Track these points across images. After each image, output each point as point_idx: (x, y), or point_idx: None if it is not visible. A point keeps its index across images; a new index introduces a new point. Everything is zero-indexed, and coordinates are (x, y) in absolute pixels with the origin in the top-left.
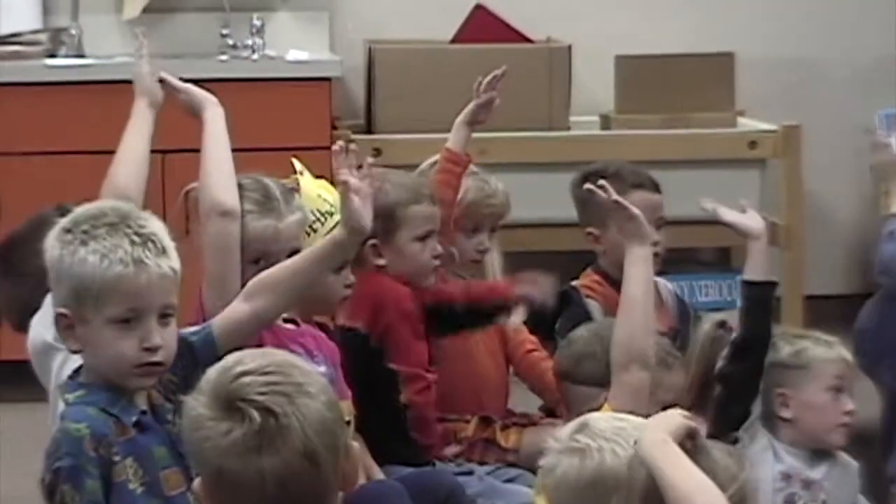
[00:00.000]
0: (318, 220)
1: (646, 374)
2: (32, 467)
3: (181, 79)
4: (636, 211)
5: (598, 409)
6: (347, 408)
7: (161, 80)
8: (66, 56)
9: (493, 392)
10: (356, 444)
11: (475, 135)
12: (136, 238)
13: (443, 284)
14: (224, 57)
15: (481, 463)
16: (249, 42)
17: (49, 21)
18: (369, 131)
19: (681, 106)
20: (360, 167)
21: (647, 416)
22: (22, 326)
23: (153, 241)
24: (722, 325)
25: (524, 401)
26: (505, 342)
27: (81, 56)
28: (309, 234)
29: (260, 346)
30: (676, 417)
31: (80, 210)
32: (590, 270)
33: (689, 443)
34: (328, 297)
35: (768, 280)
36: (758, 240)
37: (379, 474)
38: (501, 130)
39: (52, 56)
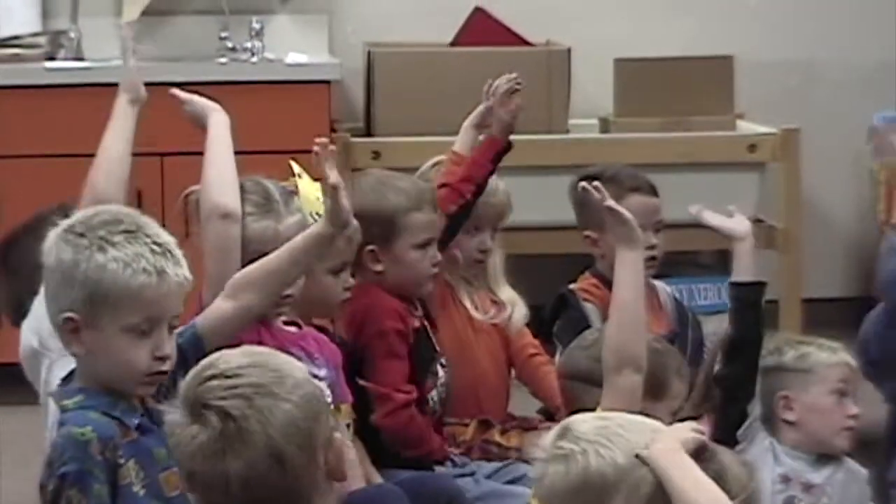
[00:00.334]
0: (317, 222)
1: (638, 377)
2: (32, 471)
3: (181, 83)
4: (628, 215)
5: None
6: (347, 411)
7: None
8: (66, 59)
9: (492, 395)
10: (353, 449)
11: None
12: (155, 248)
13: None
14: (223, 60)
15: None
16: (249, 45)
17: (48, 24)
18: (368, 134)
19: (680, 109)
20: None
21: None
22: (18, 323)
23: (171, 251)
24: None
25: (524, 404)
26: (506, 345)
27: (81, 59)
28: None
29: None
30: (687, 430)
31: (90, 214)
32: (587, 274)
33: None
34: (328, 300)
35: (757, 281)
36: (743, 241)
37: (378, 479)
38: None
39: (52, 59)
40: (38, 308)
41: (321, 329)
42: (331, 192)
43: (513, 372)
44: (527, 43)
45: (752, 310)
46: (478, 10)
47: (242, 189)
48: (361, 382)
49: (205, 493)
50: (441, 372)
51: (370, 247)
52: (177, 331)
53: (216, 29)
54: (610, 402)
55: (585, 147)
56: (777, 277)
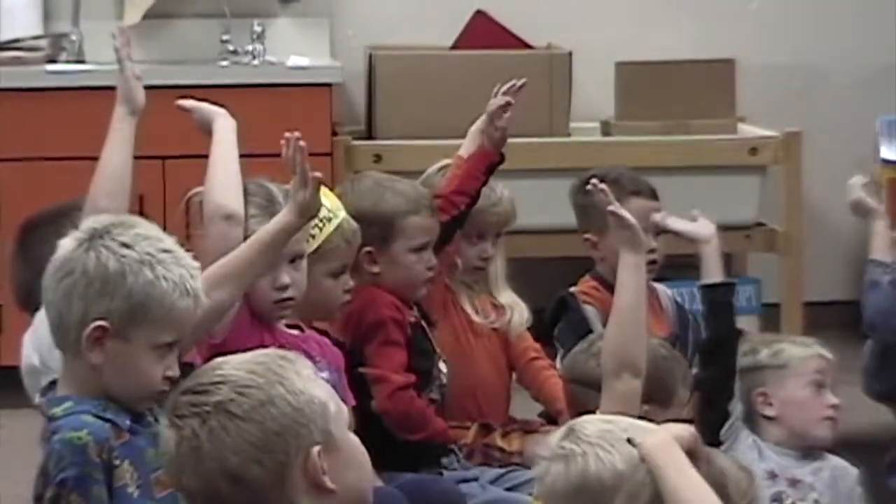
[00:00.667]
0: (317, 225)
1: (637, 382)
2: (31, 473)
3: (182, 86)
4: (632, 219)
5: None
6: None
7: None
8: (67, 62)
9: (493, 398)
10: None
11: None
12: (193, 271)
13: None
14: (225, 63)
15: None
16: (250, 48)
17: (50, 27)
18: (370, 137)
19: (681, 112)
20: None
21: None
22: (26, 308)
23: (198, 275)
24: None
25: (524, 408)
26: (507, 349)
27: (82, 62)
28: (308, 241)
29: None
30: (682, 428)
31: (123, 224)
32: (588, 277)
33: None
34: (328, 303)
35: (727, 281)
36: (708, 244)
37: (377, 482)
38: None
39: (53, 62)
40: (40, 326)
41: (322, 333)
42: (314, 184)
43: (514, 375)
44: (528, 46)
45: (724, 310)
46: (479, 14)
47: (245, 191)
48: (360, 370)
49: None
50: (442, 371)
51: (367, 248)
52: None
53: (218, 32)
54: (608, 405)
55: (587, 150)
56: (778, 281)
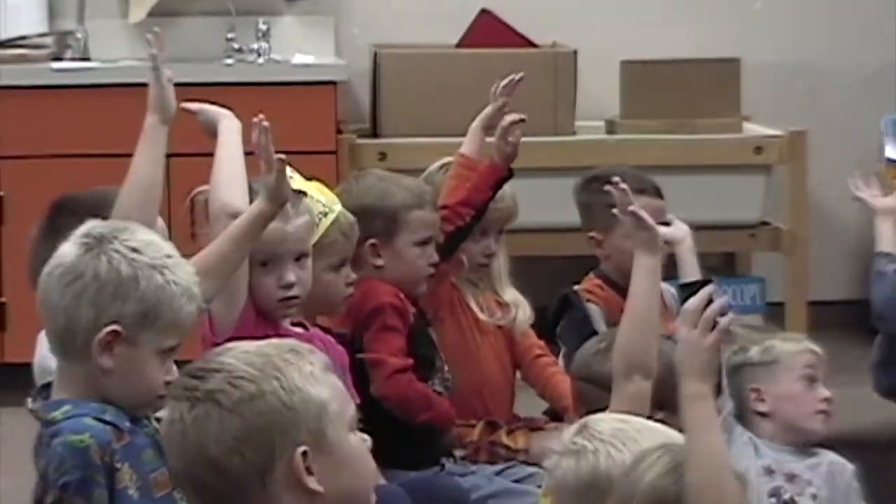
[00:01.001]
0: (314, 220)
1: (647, 384)
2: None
3: (187, 84)
4: (651, 221)
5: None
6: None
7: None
8: (72, 59)
9: (498, 396)
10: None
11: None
12: (195, 276)
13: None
14: (230, 61)
15: (490, 464)
16: (255, 46)
17: (55, 24)
18: (375, 135)
19: (686, 111)
20: None
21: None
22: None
23: (197, 279)
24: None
25: (528, 405)
26: (512, 346)
27: (87, 59)
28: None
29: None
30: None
31: (128, 230)
32: (592, 275)
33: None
34: (330, 297)
35: (704, 279)
36: (682, 244)
37: (382, 479)
38: None
39: (58, 59)
40: None
41: (325, 330)
42: (279, 167)
43: (518, 373)
44: (533, 45)
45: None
46: (484, 12)
47: (251, 190)
48: (358, 356)
49: None
50: (444, 370)
51: (371, 241)
52: None
53: (223, 30)
54: (618, 406)
55: (592, 149)
56: (783, 280)
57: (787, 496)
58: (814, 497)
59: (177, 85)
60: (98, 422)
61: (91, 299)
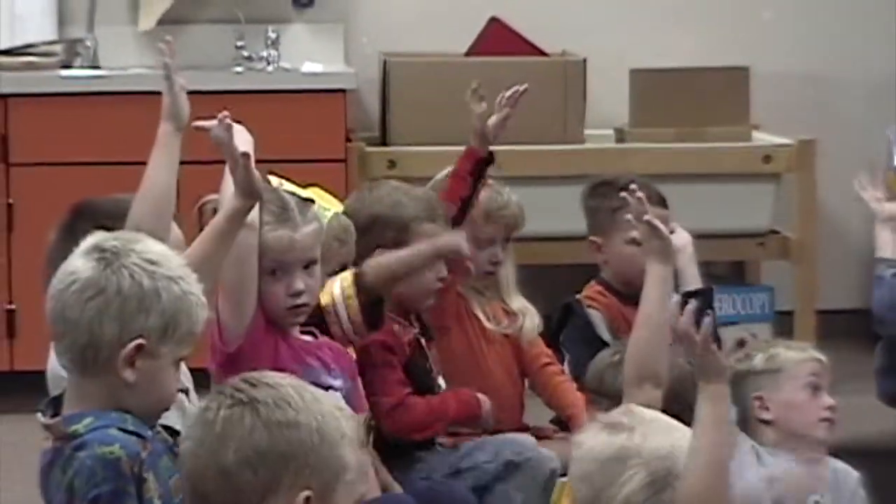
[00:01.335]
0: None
1: (658, 393)
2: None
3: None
4: (666, 231)
5: None
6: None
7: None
8: (82, 67)
9: (506, 405)
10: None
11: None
12: (198, 286)
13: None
14: (239, 69)
15: None
16: (264, 54)
17: (64, 32)
18: (384, 143)
19: (695, 120)
20: None
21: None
22: None
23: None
24: (742, 343)
25: (539, 414)
26: (519, 355)
27: (96, 67)
28: None
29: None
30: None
31: (141, 241)
32: (593, 282)
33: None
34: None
35: (705, 288)
36: (683, 253)
37: (396, 487)
38: (516, 143)
39: (68, 67)
40: None
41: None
42: (243, 161)
43: (526, 382)
44: (542, 53)
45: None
46: (493, 20)
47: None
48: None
49: None
50: (442, 387)
51: (382, 251)
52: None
53: (232, 38)
54: None
55: (601, 157)
56: (792, 288)
57: None
58: None
59: (186, 93)
60: (123, 433)
61: (115, 314)
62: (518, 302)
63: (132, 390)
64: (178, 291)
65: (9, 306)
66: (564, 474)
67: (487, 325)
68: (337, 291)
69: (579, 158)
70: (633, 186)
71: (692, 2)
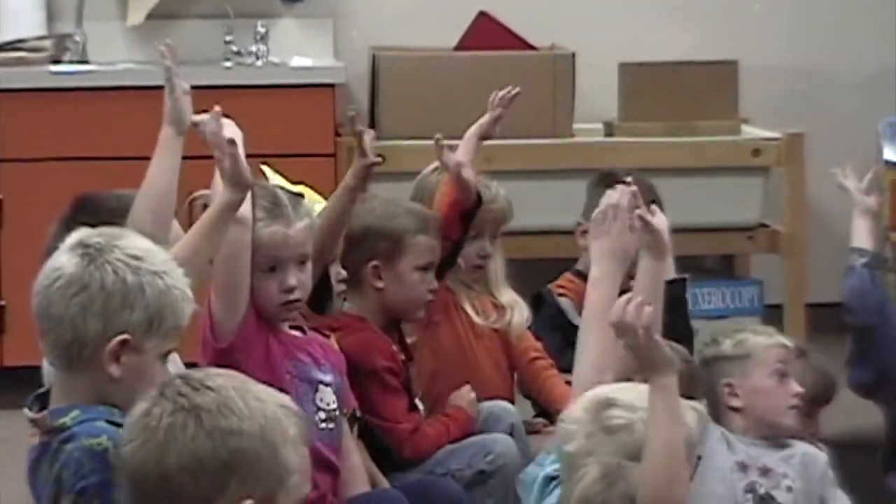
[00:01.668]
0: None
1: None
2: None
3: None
4: (659, 226)
5: None
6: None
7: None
8: (70, 62)
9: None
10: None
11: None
12: (185, 279)
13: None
14: (228, 64)
15: None
16: (253, 49)
17: (53, 27)
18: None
19: (684, 114)
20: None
21: None
22: None
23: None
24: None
25: (528, 410)
26: (508, 349)
27: (85, 62)
28: None
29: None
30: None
31: (124, 236)
32: (567, 273)
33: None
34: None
35: (679, 277)
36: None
37: (384, 482)
38: (505, 138)
39: (57, 62)
40: None
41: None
42: (229, 149)
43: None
44: (531, 47)
45: (680, 305)
46: (482, 15)
47: (251, 194)
48: (367, 419)
49: None
50: (419, 407)
51: (374, 262)
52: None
53: (221, 33)
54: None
55: (590, 151)
56: (781, 282)
57: (762, 491)
58: (789, 489)
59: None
60: (110, 424)
61: (98, 310)
62: (507, 295)
63: (118, 385)
64: (163, 286)
65: None
66: None
67: (476, 319)
68: None
69: (568, 152)
70: (628, 179)
71: None
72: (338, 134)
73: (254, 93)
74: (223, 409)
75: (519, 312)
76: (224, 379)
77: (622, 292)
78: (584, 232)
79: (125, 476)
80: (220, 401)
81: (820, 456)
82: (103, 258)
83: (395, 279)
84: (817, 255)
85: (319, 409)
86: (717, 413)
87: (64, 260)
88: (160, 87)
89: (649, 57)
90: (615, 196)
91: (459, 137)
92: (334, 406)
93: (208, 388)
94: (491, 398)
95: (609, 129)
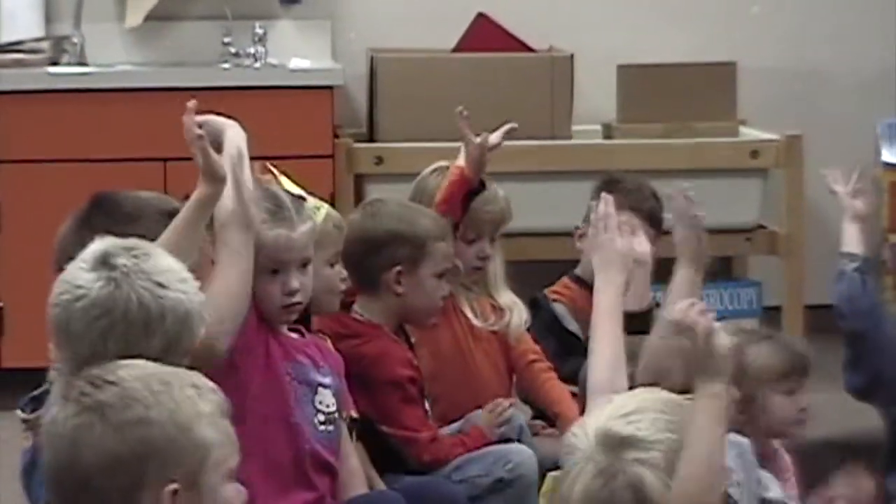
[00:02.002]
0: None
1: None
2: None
3: (184, 88)
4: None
5: None
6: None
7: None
8: (69, 64)
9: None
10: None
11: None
12: (201, 295)
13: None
14: (226, 65)
15: None
16: (252, 50)
17: (51, 29)
18: (371, 139)
19: (683, 115)
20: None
21: None
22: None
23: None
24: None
25: (526, 411)
26: (507, 352)
27: (83, 64)
28: None
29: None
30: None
31: (153, 258)
32: (564, 278)
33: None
34: (331, 293)
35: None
36: (644, 267)
37: (380, 484)
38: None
39: (55, 64)
40: None
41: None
42: (199, 143)
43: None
44: (530, 49)
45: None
46: (481, 16)
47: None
48: (384, 429)
49: None
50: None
51: (397, 268)
52: None
53: (219, 34)
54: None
55: (588, 153)
56: (779, 284)
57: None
58: (738, 484)
59: (173, 89)
60: None
61: (119, 336)
62: (506, 297)
63: None
64: (182, 313)
65: None
66: (554, 469)
67: (474, 321)
68: None
69: (567, 154)
70: (603, 194)
71: None
72: (336, 135)
73: (252, 94)
74: (126, 400)
75: (518, 314)
76: (126, 370)
77: (590, 287)
78: (582, 236)
79: (46, 488)
80: (123, 393)
81: (744, 441)
82: (129, 284)
83: (415, 285)
84: (816, 257)
85: (318, 411)
86: None
87: (89, 278)
88: (158, 90)
89: (647, 58)
90: (601, 208)
91: (457, 139)
92: (333, 408)
93: (109, 382)
94: (489, 400)
95: (607, 131)
